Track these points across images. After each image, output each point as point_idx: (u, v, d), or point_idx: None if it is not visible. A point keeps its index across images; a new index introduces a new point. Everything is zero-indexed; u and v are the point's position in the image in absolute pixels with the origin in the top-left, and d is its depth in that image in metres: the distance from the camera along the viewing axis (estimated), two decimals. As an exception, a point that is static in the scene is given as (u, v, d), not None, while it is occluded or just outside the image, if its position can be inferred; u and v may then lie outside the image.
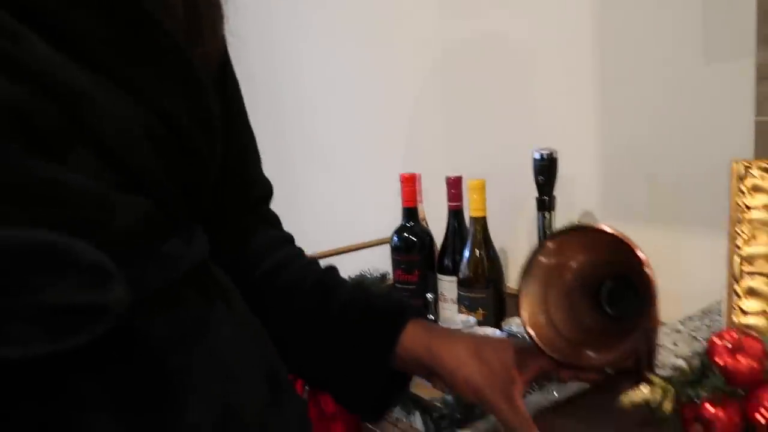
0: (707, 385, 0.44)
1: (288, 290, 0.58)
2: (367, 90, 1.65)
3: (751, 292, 0.69)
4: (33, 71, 0.35)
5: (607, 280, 0.52)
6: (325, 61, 1.78)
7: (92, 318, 0.35)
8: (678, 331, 0.82)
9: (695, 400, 0.44)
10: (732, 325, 0.69)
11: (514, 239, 1.28)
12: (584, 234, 0.50)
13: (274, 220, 0.63)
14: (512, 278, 1.27)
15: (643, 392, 0.45)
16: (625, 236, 0.46)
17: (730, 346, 0.44)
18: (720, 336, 0.45)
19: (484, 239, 1.12)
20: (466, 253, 1.11)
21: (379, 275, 1.42)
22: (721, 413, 0.43)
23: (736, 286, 0.69)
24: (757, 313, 0.68)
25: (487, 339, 0.56)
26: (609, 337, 0.49)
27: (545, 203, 1.09)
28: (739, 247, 0.70)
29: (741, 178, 0.71)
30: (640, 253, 0.45)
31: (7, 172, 0.33)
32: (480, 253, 1.11)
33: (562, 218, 1.08)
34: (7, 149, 0.33)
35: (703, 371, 0.45)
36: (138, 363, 0.40)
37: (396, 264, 1.24)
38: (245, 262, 0.58)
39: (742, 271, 0.69)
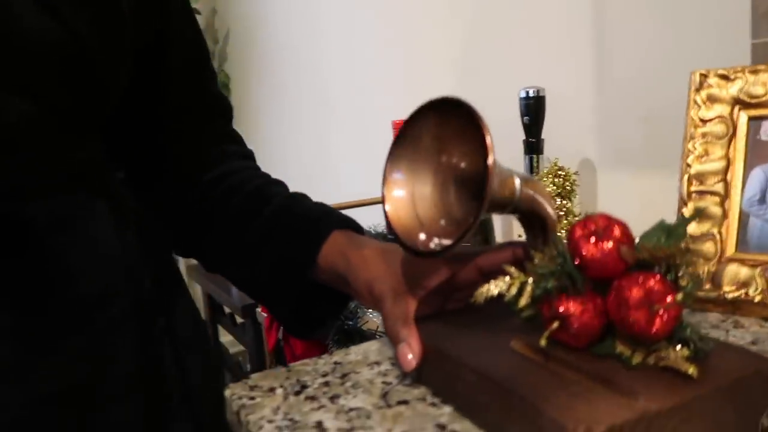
0: (560, 275, 0.39)
1: (227, 194, 0.58)
2: (365, 37, 1.63)
3: (699, 214, 0.61)
4: None
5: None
6: (340, 22, 1.77)
7: None
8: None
9: (549, 290, 0.39)
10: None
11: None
12: (459, 112, 0.44)
13: (235, 137, 0.64)
14: (502, 227, 1.22)
15: (495, 285, 0.41)
16: (480, 119, 0.41)
17: (591, 233, 0.39)
18: (583, 223, 0.40)
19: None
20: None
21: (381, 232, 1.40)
22: (576, 307, 0.38)
23: (684, 209, 0.62)
24: (703, 237, 0.60)
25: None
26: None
27: (532, 146, 1.03)
28: (689, 165, 0.62)
29: (697, 90, 0.64)
30: (489, 143, 0.40)
31: None
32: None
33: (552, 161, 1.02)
34: None
35: (561, 262, 0.40)
36: (18, 246, 0.41)
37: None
38: (198, 170, 0.60)
39: (690, 191, 0.62)
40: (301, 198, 0.59)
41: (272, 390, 0.49)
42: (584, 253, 0.38)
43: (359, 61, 1.75)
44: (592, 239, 0.38)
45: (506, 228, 1.24)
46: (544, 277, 0.40)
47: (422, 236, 0.43)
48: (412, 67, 1.53)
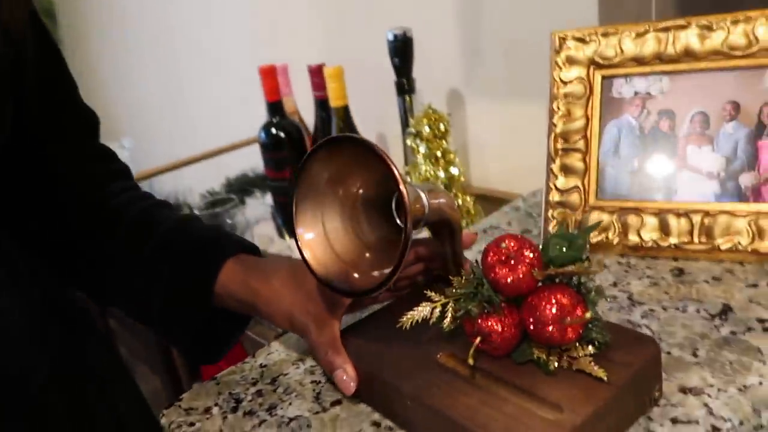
0: (480, 299, 0.43)
1: (109, 220, 0.54)
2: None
3: (566, 170, 0.69)
4: None
5: (395, 193, 0.50)
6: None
7: None
8: (517, 209, 0.83)
9: (471, 311, 0.43)
10: (549, 206, 0.69)
11: (385, 126, 1.24)
12: (354, 147, 0.46)
13: (109, 152, 0.59)
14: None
15: (420, 311, 0.45)
16: (380, 151, 0.43)
17: (503, 257, 0.43)
18: (495, 246, 0.44)
19: (349, 129, 1.08)
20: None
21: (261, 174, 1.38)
22: (496, 325, 0.42)
23: (552, 165, 0.69)
24: (570, 190, 0.68)
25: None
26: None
27: (404, 86, 1.05)
28: (555, 125, 0.69)
29: (557, 51, 0.69)
30: (394, 170, 0.42)
31: None
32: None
33: (426, 100, 1.05)
34: None
35: (477, 284, 0.44)
36: None
37: (266, 162, 1.20)
38: (73, 196, 0.55)
39: (557, 149, 0.69)
40: (189, 225, 0.56)
41: (208, 411, 0.52)
42: (499, 279, 0.42)
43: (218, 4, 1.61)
44: (505, 266, 0.42)
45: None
46: (464, 299, 0.44)
47: (356, 275, 0.45)
48: (277, 13, 1.44)
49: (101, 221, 0.55)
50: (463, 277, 0.45)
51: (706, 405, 0.43)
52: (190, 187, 1.59)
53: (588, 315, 0.40)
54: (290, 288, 0.50)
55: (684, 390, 0.45)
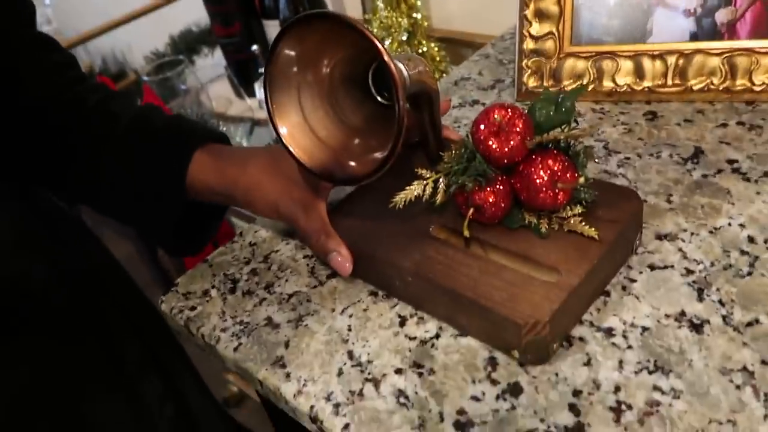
0: (472, 171, 0.43)
1: (67, 117, 0.51)
2: None
3: (540, 15, 0.66)
4: None
5: (371, 67, 0.47)
6: None
7: None
8: (486, 56, 0.80)
9: (465, 185, 0.43)
10: (522, 55, 0.67)
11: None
12: (324, 23, 0.42)
13: (48, 44, 0.53)
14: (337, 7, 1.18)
15: (413, 189, 0.44)
16: (358, 25, 0.39)
17: (494, 128, 0.42)
18: (486, 118, 0.43)
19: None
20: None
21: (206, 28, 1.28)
22: (489, 196, 0.42)
23: (526, 11, 0.66)
24: (544, 36, 0.66)
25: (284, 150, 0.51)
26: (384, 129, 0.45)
27: None
28: (529, -35, 0.64)
29: None
30: (377, 44, 0.39)
31: None
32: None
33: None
34: None
35: (469, 157, 0.44)
36: None
37: (212, 17, 1.11)
38: (25, 91, 0.50)
39: (531, -8, 0.65)
40: (150, 117, 0.52)
41: (206, 293, 0.53)
42: (492, 150, 0.42)
43: None
44: (497, 138, 0.42)
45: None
46: (456, 173, 0.44)
47: (351, 162, 0.43)
48: None
49: (59, 117, 0.51)
50: (453, 150, 0.44)
51: (680, 250, 0.46)
52: (129, 45, 1.47)
53: (582, 180, 0.41)
54: (269, 174, 0.49)
55: (660, 236, 0.48)
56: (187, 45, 1.22)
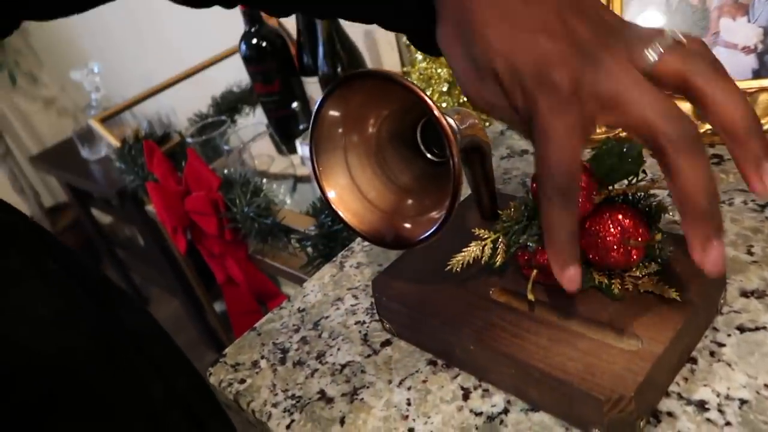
0: (534, 230, 0.40)
1: None
2: None
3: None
4: None
5: (419, 123, 0.45)
6: None
7: None
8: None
9: (528, 245, 0.41)
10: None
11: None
12: (365, 82, 0.41)
13: None
14: (375, 61, 1.19)
15: (471, 250, 0.42)
16: (405, 81, 0.38)
17: None
18: None
19: (336, 32, 1.00)
20: (320, 48, 1.01)
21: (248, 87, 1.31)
22: None
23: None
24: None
25: None
26: (437, 188, 0.43)
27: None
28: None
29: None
30: (427, 100, 0.37)
31: None
32: (334, 44, 1.00)
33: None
34: None
35: (530, 215, 0.41)
36: None
37: (252, 76, 1.13)
38: None
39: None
40: None
41: (256, 364, 0.50)
42: None
43: None
44: None
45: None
46: (515, 233, 0.41)
47: (406, 225, 0.41)
48: None
49: None
50: (512, 209, 0.42)
51: (770, 307, 0.42)
52: (173, 108, 1.51)
53: (658, 237, 0.38)
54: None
55: (745, 293, 0.43)
56: (229, 105, 1.24)
